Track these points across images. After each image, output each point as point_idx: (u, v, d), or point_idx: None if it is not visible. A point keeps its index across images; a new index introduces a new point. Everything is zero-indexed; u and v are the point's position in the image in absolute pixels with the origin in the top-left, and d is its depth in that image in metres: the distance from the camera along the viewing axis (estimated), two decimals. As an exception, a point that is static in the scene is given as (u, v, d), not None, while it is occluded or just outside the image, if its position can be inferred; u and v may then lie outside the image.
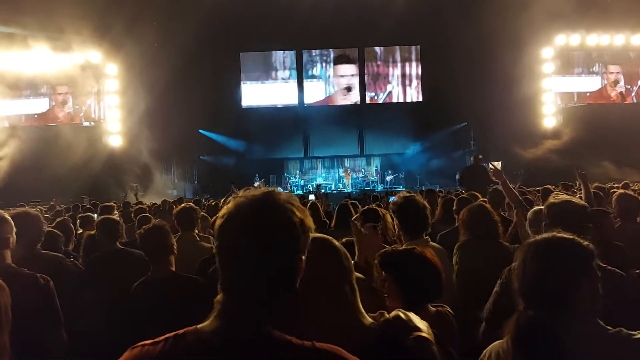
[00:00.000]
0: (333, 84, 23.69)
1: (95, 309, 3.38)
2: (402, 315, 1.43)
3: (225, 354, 1.10)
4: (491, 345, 1.77)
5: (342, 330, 1.34)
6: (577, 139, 18.71)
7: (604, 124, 18.75)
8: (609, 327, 1.62)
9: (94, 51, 18.72)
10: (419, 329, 1.39)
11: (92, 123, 20.27)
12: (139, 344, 1.16)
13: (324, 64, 23.73)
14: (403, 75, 23.80)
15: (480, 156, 11.69)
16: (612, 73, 22.07)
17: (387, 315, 1.45)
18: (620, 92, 22.15)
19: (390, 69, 23.81)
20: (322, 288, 1.39)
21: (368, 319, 1.45)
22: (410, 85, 23.85)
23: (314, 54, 23.60)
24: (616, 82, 22.10)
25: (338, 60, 23.59)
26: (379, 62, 23.79)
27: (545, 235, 1.72)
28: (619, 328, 1.61)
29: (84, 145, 17.35)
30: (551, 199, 2.60)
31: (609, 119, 19.11)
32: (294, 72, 23.56)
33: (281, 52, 23.44)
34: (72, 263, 3.82)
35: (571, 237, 1.68)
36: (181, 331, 1.15)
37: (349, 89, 23.50)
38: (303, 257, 1.20)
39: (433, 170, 21.87)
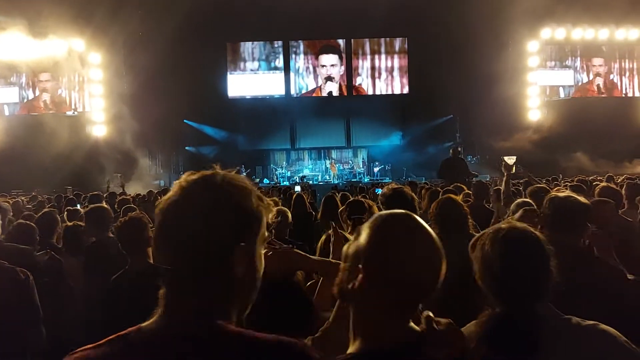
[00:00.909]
0: (320, 72, 23.59)
1: (70, 303, 3.34)
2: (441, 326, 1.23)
3: (168, 350, 1.02)
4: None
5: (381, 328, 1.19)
6: (559, 133, 18.98)
7: (585, 117, 19.02)
8: (560, 313, 1.67)
9: (77, 39, 18.40)
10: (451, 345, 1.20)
11: (76, 112, 19.97)
12: (80, 349, 1.07)
13: (293, 56, 23.58)
14: (391, 68, 23.80)
15: (459, 149, 11.84)
16: (594, 66, 22.27)
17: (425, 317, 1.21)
18: (598, 85, 22.36)
19: (379, 61, 23.79)
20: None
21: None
22: (397, 77, 23.84)
23: (276, 46, 23.44)
24: (597, 74, 22.32)
25: (321, 51, 23.49)
26: (368, 54, 23.76)
27: (512, 225, 1.73)
28: (569, 316, 1.66)
29: (67, 134, 17.10)
30: (555, 193, 2.62)
31: (590, 112, 19.36)
32: (282, 63, 23.43)
33: (268, 42, 23.28)
34: (49, 255, 3.76)
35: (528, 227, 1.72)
36: (124, 332, 1.08)
37: (329, 78, 23.42)
38: (244, 244, 1.08)
39: (419, 163, 21.92)
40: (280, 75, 23.39)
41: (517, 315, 1.59)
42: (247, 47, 23.31)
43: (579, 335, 1.60)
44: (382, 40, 23.62)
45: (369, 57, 23.80)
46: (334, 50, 23.50)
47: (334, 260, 1.92)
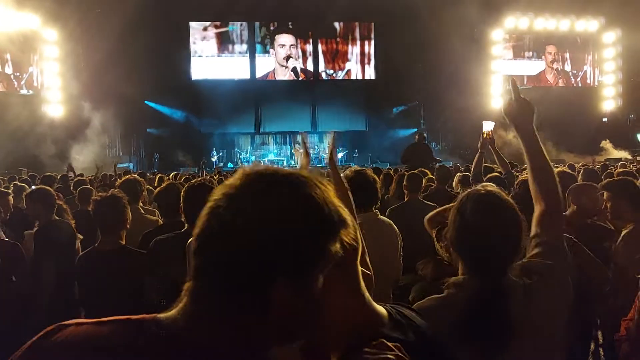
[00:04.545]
0: (274, 53, 23.35)
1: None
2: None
3: (193, 354, 0.84)
4: (420, 303, 1.62)
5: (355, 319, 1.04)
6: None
7: (539, 106, 19.42)
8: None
9: (32, 14, 17.58)
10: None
11: (31, 91, 19.16)
12: (73, 321, 0.85)
13: (258, 38, 23.32)
14: (357, 53, 23.79)
15: (425, 134, 11.97)
16: (549, 53, 22.78)
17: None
18: (557, 69, 22.89)
19: (345, 47, 23.73)
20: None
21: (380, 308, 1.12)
22: (363, 62, 23.86)
23: (241, 27, 23.10)
24: (553, 61, 22.83)
25: (277, 31, 23.23)
26: (335, 39, 23.65)
27: (489, 188, 1.66)
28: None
29: (22, 114, 16.45)
30: (525, 176, 2.66)
31: (545, 101, 19.82)
32: (246, 45, 23.10)
33: (233, 23, 22.88)
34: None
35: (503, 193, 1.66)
36: (134, 318, 0.87)
37: (287, 58, 23.24)
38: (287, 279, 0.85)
39: (384, 148, 22.13)
40: (245, 58, 23.06)
41: (488, 285, 1.54)
42: (211, 28, 22.86)
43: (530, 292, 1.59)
44: (349, 25, 23.56)
45: (335, 42, 23.70)
46: (291, 31, 23.28)
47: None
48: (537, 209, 1.75)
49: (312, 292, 0.87)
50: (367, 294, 1.07)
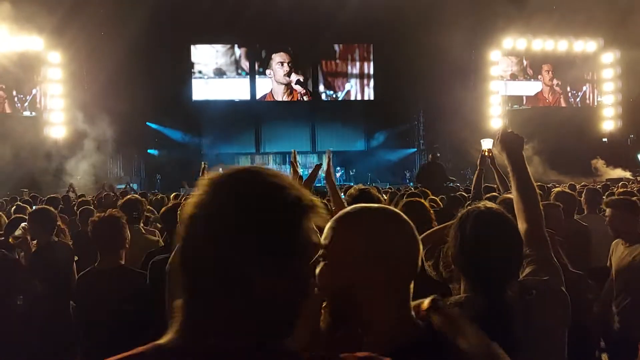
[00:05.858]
0: (272, 73, 23.47)
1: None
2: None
3: None
4: None
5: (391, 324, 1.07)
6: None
7: (539, 126, 19.50)
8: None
9: (35, 37, 17.73)
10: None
11: (34, 113, 19.22)
12: None
13: (258, 60, 23.44)
14: (356, 74, 23.96)
15: (438, 154, 12.00)
16: (547, 72, 22.86)
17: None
18: (556, 85, 22.92)
19: (346, 67, 23.92)
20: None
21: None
22: (363, 83, 24.02)
23: (241, 49, 23.24)
24: (552, 79, 22.90)
25: (276, 50, 23.34)
26: (337, 60, 23.84)
27: (489, 205, 1.72)
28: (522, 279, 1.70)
29: (25, 136, 16.50)
30: (506, 196, 2.68)
31: (544, 121, 19.87)
32: (246, 67, 23.29)
33: (234, 45, 23.11)
34: (1, 254, 3.64)
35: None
36: (138, 351, 0.87)
37: (289, 74, 23.35)
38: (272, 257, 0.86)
39: (383, 168, 22.17)
40: (246, 79, 23.24)
41: (491, 302, 1.56)
42: (211, 50, 23.08)
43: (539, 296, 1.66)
44: (348, 47, 23.77)
45: (335, 63, 23.90)
46: (290, 52, 23.41)
47: None
48: (521, 228, 1.83)
49: (296, 277, 0.89)
50: (411, 305, 1.11)
